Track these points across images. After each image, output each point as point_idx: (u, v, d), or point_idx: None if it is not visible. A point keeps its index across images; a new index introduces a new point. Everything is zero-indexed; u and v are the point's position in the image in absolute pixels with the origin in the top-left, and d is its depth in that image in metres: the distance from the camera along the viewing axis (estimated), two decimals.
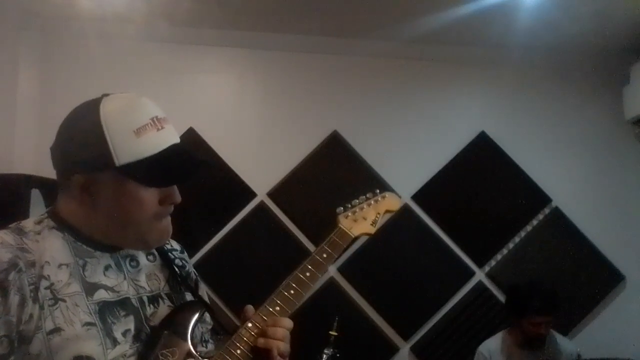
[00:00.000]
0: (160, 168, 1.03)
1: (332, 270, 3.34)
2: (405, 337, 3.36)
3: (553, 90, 3.49)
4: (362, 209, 1.42)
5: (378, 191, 1.49)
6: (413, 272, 3.37)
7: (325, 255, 1.29)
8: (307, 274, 1.24)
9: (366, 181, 3.43)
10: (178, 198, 1.09)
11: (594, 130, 3.46)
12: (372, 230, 1.42)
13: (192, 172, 1.09)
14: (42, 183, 2.76)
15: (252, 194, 3.41)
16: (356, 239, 1.39)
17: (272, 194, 3.43)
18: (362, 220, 1.40)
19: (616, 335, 3.24)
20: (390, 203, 1.49)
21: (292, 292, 1.19)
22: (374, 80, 3.51)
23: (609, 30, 3.08)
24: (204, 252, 3.36)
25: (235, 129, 3.45)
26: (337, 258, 1.31)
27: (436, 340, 3.35)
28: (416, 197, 3.42)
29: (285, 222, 3.42)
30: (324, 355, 2.83)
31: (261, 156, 3.44)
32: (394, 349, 3.34)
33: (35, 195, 2.71)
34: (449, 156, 3.46)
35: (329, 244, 1.31)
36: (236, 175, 3.39)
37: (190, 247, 3.36)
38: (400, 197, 1.54)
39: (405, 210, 3.40)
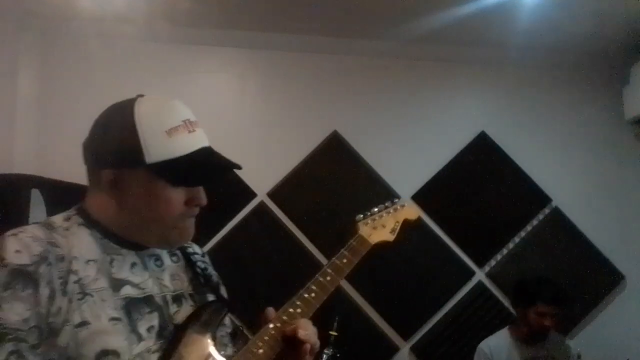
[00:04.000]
0: (189, 169, 1.05)
1: None
2: (405, 337, 3.36)
3: (553, 91, 3.49)
4: (381, 217, 1.47)
5: (397, 200, 1.54)
6: (413, 272, 3.37)
7: (345, 261, 1.32)
8: (328, 278, 1.27)
9: (366, 181, 3.43)
10: (204, 200, 1.11)
11: (594, 130, 3.46)
12: (391, 238, 1.47)
13: (219, 174, 1.12)
14: (42, 183, 2.76)
15: (252, 194, 3.41)
16: (375, 246, 1.42)
17: (272, 194, 3.43)
18: (381, 228, 1.45)
19: (616, 335, 3.24)
20: (409, 212, 1.54)
21: (312, 295, 1.22)
22: (374, 80, 3.51)
23: (609, 30, 3.09)
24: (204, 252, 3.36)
25: (235, 129, 3.45)
26: (356, 264, 1.34)
27: (436, 340, 3.35)
28: (416, 197, 3.42)
29: (285, 222, 3.42)
30: (324, 355, 2.83)
31: (261, 156, 3.44)
32: (394, 349, 3.34)
33: (35, 195, 2.70)
34: (449, 156, 3.46)
35: (349, 250, 1.35)
36: (236, 175, 3.38)
37: None
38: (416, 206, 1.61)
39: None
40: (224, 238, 3.38)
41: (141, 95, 1.09)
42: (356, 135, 3.48)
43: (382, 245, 1.44)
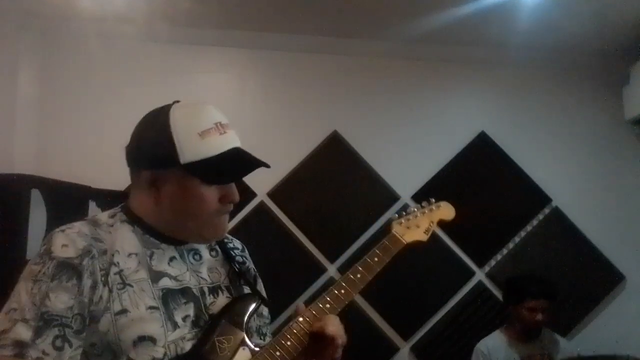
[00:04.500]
0: (220, 167, 1.14)
1: (331, 270, 3.33)
2: (405, 337, 3.36)
3: (553, 90, 3.49)
4: (416, 217, 1.51)
5: (433, 200, 1.57)
6: (413, 272, 3.37)
7: (376, 259, 1.36)
8: (358, 275, 1.32)
9: (366, 181, 3.43)
10: (237, 197, 1.21)
11: (594, 130, 3.46)
12: (425, 238, 1.49)
13: (247, 170, 1.21)
14: (42, 183, 2.75)
15: (252, 194, 3.41)
16: (408, 245, 1.44)
17: (272, 194, 3.43)
18: (415, 228, 1.49)
19: (616, 335, 3.24)
20: (444, 212, 1.59)
21: (342, 291, 1.27)
22: (374, 80, 3.51)
23: (608, 30, 3.09)
24: None
25: (235, 129, 3.44)
26: (388, 263, 1.37)
27: (436, 340, 3.35)
28: (416, 197, 3.42)
29: (285, 222, 3.42)
30: None
31: (261, 156, 3.42)
32: (394, 349, 3.34)
33: (35, 195, 2.70)
34: (449, 156, 3.46)
35: (381, 248, 1.38)
36: None
37: None
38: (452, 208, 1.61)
39: (405, 210, 3.40)
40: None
41: (177, 101, 1.17)
42: (356, 135, 3.48)
43: (416, 245, 1.46)
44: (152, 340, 1.05)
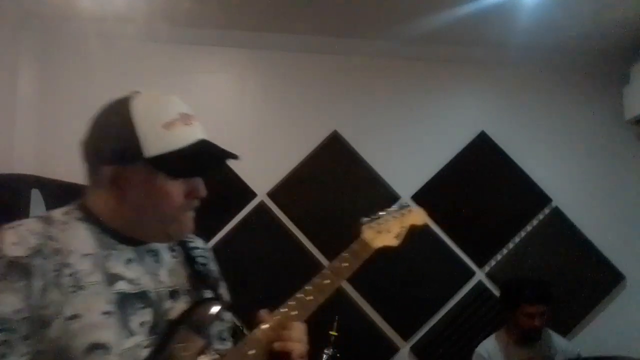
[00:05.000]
0: (187, 161, 1.06)
1: None
2: (405, 337, 3.36)
3: (553, 90, 3.49)
4: (387, 221, 1.43)
5: (405, 205, 1.51)
6: (413, 272, 3.37)
7: (345, 264, 1.29)
8: (326, 280, 1.23)
9: (366, 181, 3.43)
10: (203, 192, 1.12)
11: (594, 130, 3.46)
12: (395, 243, 1.43)
13: (216, 164, 1.12)
14: (42, 183, 2.76)
15: (252, 194, 3.41)
16: (378, 251, 1.38)
17: (272, 194, 3.43)
18: (385, 233, 1.42)
19: (616, 335, 3.24)
20: (416, 217, 1.51)
21: (309, 297, 1.19)
22: (374, 80, 3.51)
23: (609, 30, 3.08)
24: None
25: (235, 129, 3.45)
26: (357, 267, 1.31)
27: (436, 340, 3.35)
28: (416, 197, 3.42)
29: (285, 222, 3.42)
30: (324, 355, 2.82)
31: (261, 156, 3.43)
32: (394, 349, 3.34)
33: (35, 195, 2.70)
34: (449, 156, 3.46)
35: (350, 253, 1.32)
36: (236, 175, 3.38)
37: None
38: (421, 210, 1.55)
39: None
40: (224, 238, 3.38)
41: (137, 92, 1.09)
42: (356, 135, 3.48)
43: (386, 250, 1.41)
44: (105, 347, 0.98)
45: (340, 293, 3.35)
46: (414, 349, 3.35)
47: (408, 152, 3.47)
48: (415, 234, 3.64)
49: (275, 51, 3.50)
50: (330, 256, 3.42)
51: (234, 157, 1.11)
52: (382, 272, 3.36)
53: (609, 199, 3.41)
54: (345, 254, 1.31)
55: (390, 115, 3.49)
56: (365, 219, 1.40)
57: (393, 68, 3.52)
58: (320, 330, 2.90)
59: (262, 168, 3.40)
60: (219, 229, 3.38)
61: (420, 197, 3.42)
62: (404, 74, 3.52)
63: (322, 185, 3.42)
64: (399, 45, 3.47)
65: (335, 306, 3.18)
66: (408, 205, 1.52)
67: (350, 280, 3.36)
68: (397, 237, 1.44)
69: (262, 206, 3.42)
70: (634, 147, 3.44)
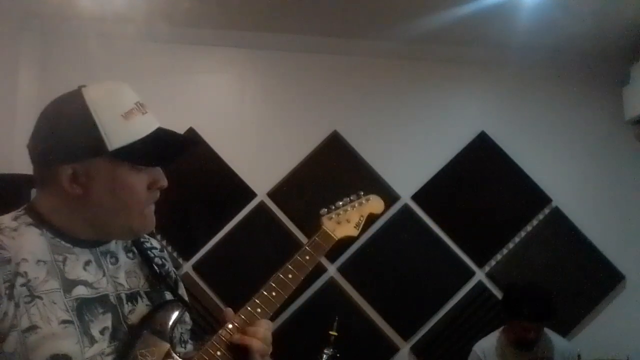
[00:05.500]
0: (151, 149, 1.03)
1: (332, 270, 3.34)
2: (405, 337, 3.36)
3: (553, 91, 3.49)
4: (345, 211, 1.43)
5: (362, 193, 1.50)
6: (413, 272, 3.37)
7: (307, 258, 1.28)
8: (290, 275, 1.22)
9: (366, 181, 3.43)
10: (165, 182, 1.09)
11: (594, 130, 3.46)
12: (355, 233, 1.43)
13: (181, 150, 1.10)
14: None
15: (252, 194, 3.41)
16: (340, 241, 1.38)
17: (272, 194, 3.43)
18: (345, 223, 1.41)
19: (616, 335, 3.24)
20: (374, 206, 1.50)
21: (273, 293, 1.18)
22: (374, 80, 3.51)
23: (608, 30, 3.08)
24: (204, 252, 3.37)
25: (235, 129, 3.45)
26: (319, 260, 1.31)
27: (436, 340, 3.35)
28: (416, 197, 3.42)
29: (285, 222, 3.42)
30: (324, 355, 2.83)
31: (261, 156, 3.44)
32: (394, 349, 3.34)
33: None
34: (449, 156, 3.46)
35: (311, 246, 1.31)
36: (236, 175, 3.38)
37: (190, 247, 3.39)
38: (383, 200, 1.56)
39: (405, 210, 3.40)
40: (224, 238, 3.38)
41: (83, 86, 1.06)
42: (356, 135, 3.48)
43: (347, 240, 1.41)
44: (67, 358, 0.94)
45: (340, 293, 3.35)
46: (414, 349, 3.35)
47: (408, 152, 3.47)
48: (416, 233, 3.64)
49: (275, 51, 3.50)
50: (329, 255, 3.43)
51: (193, 143, 1.09)
52: (381, 272, 3.37)
53: (609, 199, 3.41)
54: (307, 248, 1.30)
55: (390, 115, 3.49)
56: (324, 210, 1.40)
57: (393, 68, 3.52)
58: (320, 330, 2.90)
59: (262, 168, 3.40)
60: (219, 229, 3.38)
61: (420, 197, 3.42)
62: (404, 74, 3.52)
63: (322, 185, 3.42)
64: (399, 45, 3.47)
65: (335, 306, 3.20)
66: (364, 194, 1.52)
67: (351, 281, 3.36)
68: (356, 226, 1.44)
69: (262, 206, 3.42)
70: (634, 147, 3.44)
